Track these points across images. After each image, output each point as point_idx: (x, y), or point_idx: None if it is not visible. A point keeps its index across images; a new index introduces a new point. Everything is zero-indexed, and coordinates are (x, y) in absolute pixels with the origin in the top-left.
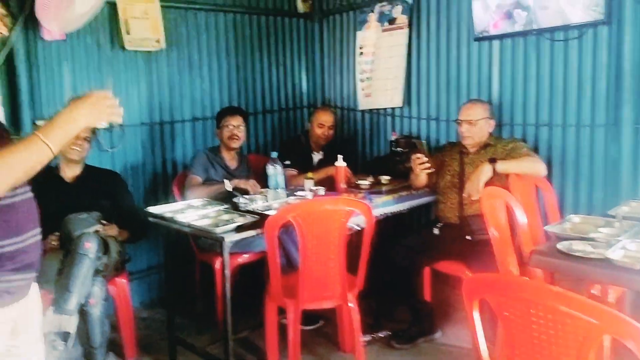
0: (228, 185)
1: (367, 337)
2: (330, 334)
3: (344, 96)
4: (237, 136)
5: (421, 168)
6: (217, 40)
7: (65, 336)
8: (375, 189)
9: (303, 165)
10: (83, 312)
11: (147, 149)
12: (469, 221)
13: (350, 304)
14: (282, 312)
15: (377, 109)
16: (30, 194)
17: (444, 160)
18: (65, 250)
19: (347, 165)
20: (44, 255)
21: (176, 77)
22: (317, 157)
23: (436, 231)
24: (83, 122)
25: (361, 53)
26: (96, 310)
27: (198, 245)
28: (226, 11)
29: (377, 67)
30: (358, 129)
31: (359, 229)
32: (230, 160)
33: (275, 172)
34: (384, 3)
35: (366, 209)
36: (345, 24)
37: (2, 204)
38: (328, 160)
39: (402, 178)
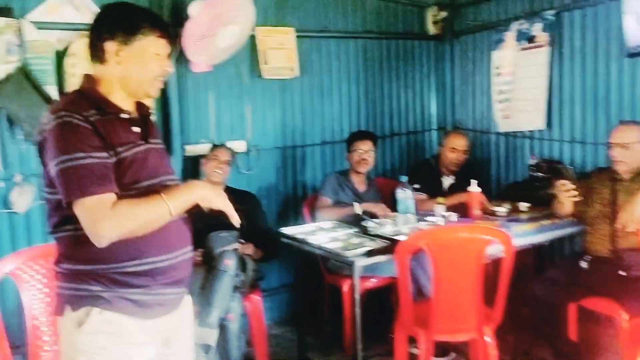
0: (358, 209)
1: None
2: None
3: (477, 118)
4: (366, 161)
5: (567, 196)
6: (347, 65)
7: (207, 349)
8: (513, 216)
9: (433, 189)
10: (222, 327)
11: (280, 171)
12: (623, 255)
13: (486, 338)
14: (412, 340)
15: (514, 132)
16: (182, 216)
17: (593, 187)
18: (207, 266)
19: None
20: None
21: (308, 102)
22: (447, 181)
23: (584, 265)
24: (199, 200)
25: (498, 74)
26: (234, 326)
27: (327, 267)
28: (357, 37)
29: (517, 88)
30: (492, 153)
31: (494, 258)
32: (360, 183)
33: (406, 196)
34: (522, 21)
35: (506, 238)
36: (478, 44)
37: None
38: (459, 185)
39: (543, 205)
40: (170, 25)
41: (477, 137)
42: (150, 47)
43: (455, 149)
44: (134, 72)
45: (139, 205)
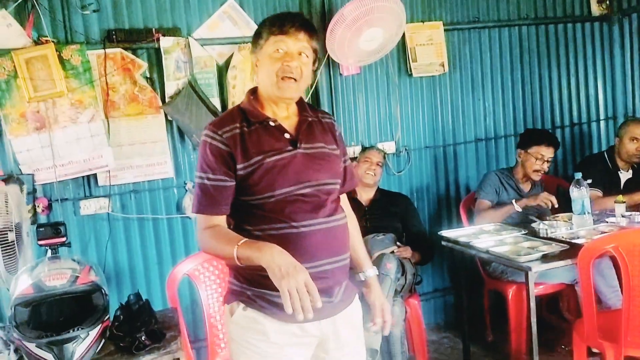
0: (517, 207)
1: None
2: None
3: None
4: (544, 170)
5: None
6: (500, 56)
7: (372, 353)
8: None
9: (608, 185)
10: None
11: (432, 171)
12: None
13: None
14: (590, 354)
15: None
16: (331, 224)
17: None
18: None
19: None
20: None
21: (457, 98)
22: (624, 176)
23: None
24: (264, 264)
25: None
26: (397, 331)
27: (487, 271)
28: (511, 25)
29: None
30: None
31: None
32: (524, 182)
33: (581, 195)
34: None
35: None
36: None
37: (291, 232)
38: (639, 181)
39: None
40: (320, 31)
41: None
42: (270, 48)
43: (636, 138)
44: (263, 77)
45: (217, 240)
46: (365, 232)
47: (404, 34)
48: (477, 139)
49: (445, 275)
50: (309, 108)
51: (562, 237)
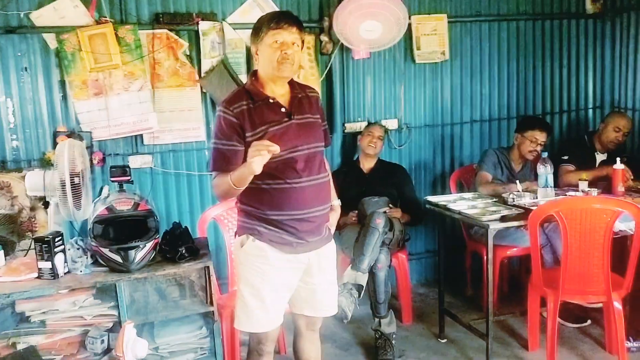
0: (519, 186)
1: (638, 344)
2: (596, 334)
3: (637, 97)
4: (537, 152)
5: None
6: (498, 48)
7: (359, 288)
8: None
9: (584, 164)
10: (372, 274)
11: (429, 147)
12: None
13: (615, 303)
14: (543, 303)
15: None
16: (319, 181)
17: None
18: (361, 225)
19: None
20: (344, 228)
21: (457, 83)
22: (600, 157)
23: None
24: (248, 170)
25: None
26: (382, 274)
27: (469, 234)
28: (509, 19)
29: None
30: None
31: (631, 233)
32: (516, 162)
33: (546, 171)
34: None
35: (637, 211)
36: None
37: (289, 187)
38: (611, 163)
39: None
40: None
41: (637, 115)
42: (269, 40)
43: (619, 129)
44: (264, 62)
45: (220, 181)
46: (364, 195)
47: (410, 25)
48: (473, 120)
49: (436, 238)
50: (298, 86)
51: (525, 204)
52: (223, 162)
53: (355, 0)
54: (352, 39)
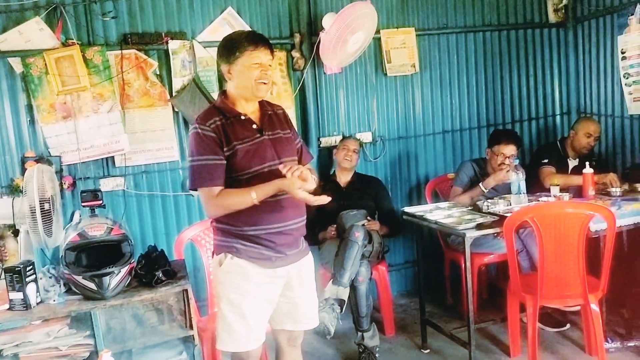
0: (483, 188)
1: (617, 344)
2: (576, 337)
3: (601, 102)
4: (506, 165)
5: None
6: (466, 59)
7: (341, 302)
8: (630, 196)
9: (558, 170)
10: (353, 287)
11: (404, 159)
12: None
13: (592, 305)
14: (522, 309)
15: None
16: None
17: None
18: (340, 238)
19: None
20: (323, 243)
21: (428, 95)
22: (572, 163)
23: None
24: (279, 186)
25: (624, 57)
26: (363, 287)
27: (447, 243)
28: (476, 31)
29: None
30: (616, 136)
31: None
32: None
33: (518, 178)
34: None
35: (608, 213)
36: (601, 29)
37: (268, 200)
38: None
39: None
40: (307, 35)
41: (602, 120)
42: (247, 61)
43: (590, 134)
44: (241, 82)
45: (232, 197)
46: (342, 209)
47: (380, 39)
48: (444, 130)
49: (415, 249)
50: (266, 103)
51: (499, 212)
52: (209, 176)
53: (341, 18)
54: (341, 57)
